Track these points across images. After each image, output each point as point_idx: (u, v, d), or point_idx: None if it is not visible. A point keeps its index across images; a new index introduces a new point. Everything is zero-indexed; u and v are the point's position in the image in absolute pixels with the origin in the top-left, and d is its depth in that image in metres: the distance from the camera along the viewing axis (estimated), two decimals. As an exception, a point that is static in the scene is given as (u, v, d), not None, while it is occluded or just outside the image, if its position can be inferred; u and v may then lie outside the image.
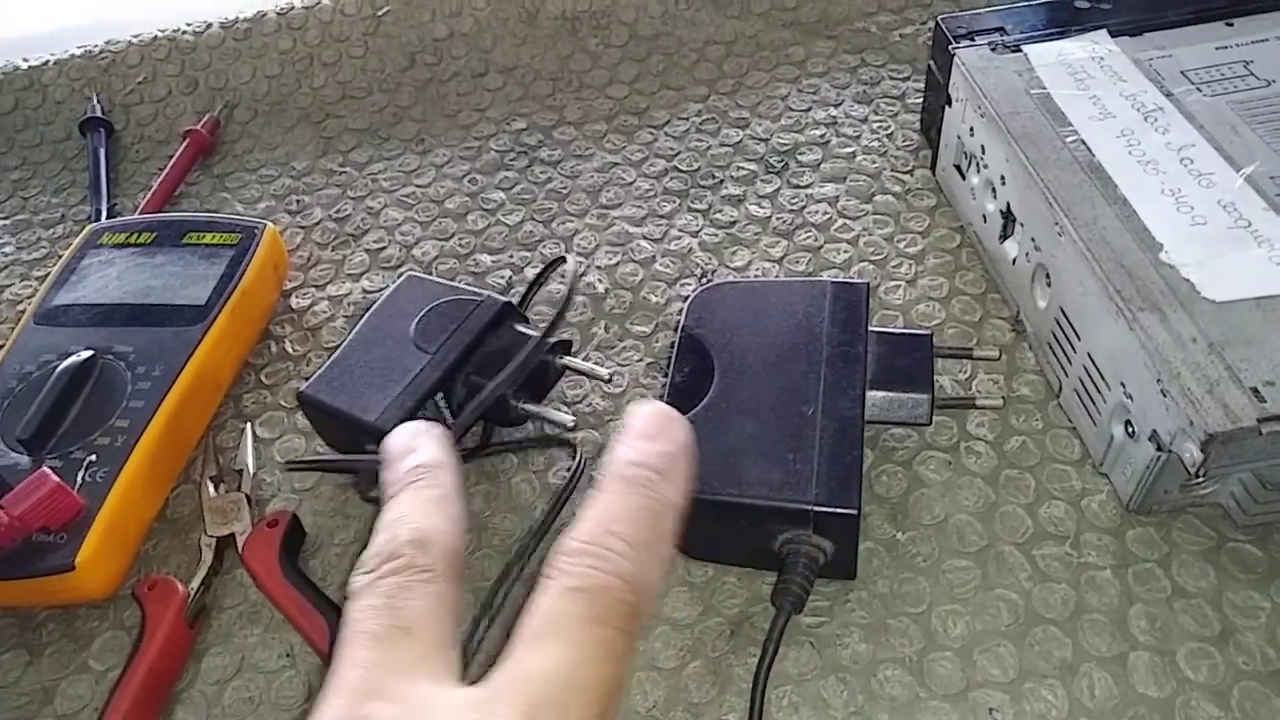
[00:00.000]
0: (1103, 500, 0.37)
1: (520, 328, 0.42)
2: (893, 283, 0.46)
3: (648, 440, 0.26)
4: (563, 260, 0.47)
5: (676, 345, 0.39)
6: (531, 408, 0.40)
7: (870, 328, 0.40)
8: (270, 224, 0.48)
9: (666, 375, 0.39)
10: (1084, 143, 0.41)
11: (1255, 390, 0.31)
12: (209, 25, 0.64)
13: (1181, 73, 0.44)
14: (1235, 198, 0.38)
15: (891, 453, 0.39)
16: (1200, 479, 0.35)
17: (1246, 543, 0.35)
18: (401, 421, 0.38)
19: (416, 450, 0.28)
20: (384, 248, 0.52)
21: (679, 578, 0.37)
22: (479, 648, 0.31)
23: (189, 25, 0.64)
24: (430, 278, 0.44)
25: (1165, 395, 0.32)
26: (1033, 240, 0.41)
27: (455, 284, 0.44)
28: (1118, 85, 0.44)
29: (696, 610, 0.36)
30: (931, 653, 0.33)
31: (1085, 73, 0.45)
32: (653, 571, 0.24)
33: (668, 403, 0.37)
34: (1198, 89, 0.43)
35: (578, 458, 0.38)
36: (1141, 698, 0.32)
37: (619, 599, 0.22)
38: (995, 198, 0.44)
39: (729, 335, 0.39)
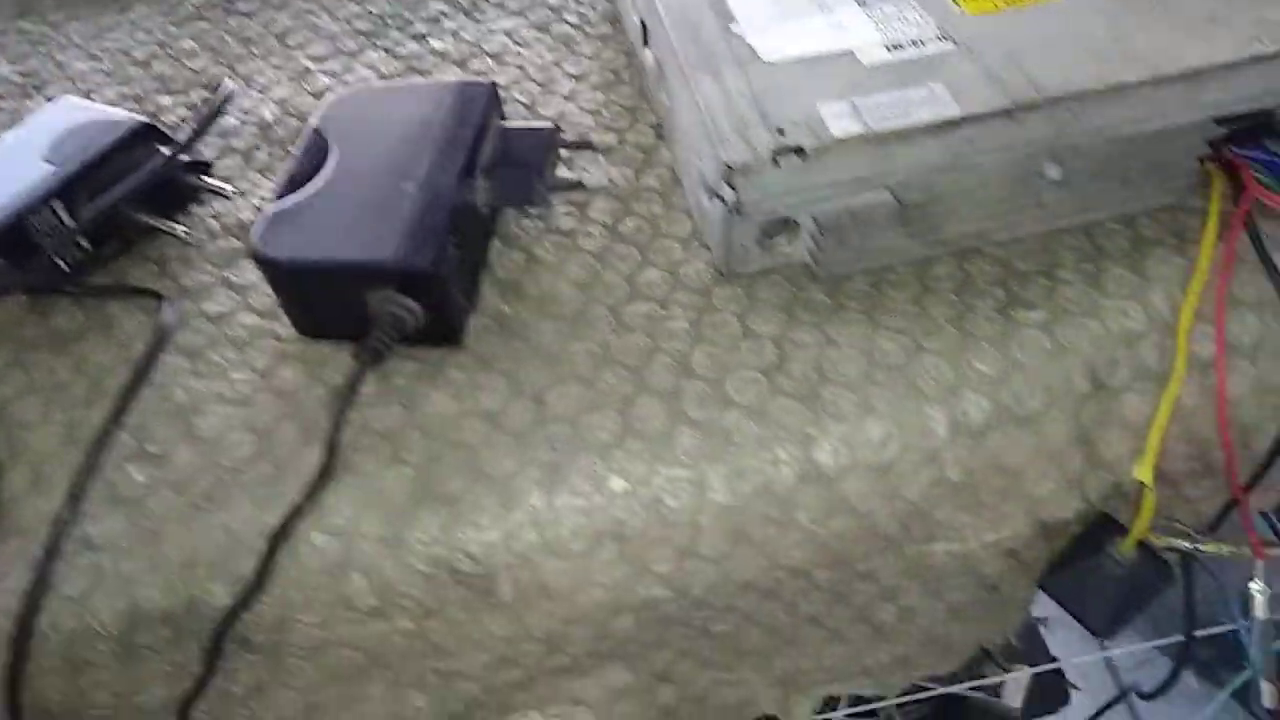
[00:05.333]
0: (700, 268, 0.39)
1: (162, 147, 0.43)
2: (550, 97, 0.48)
3: None
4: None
5: (301, 140, 0.40)
6: (150, 220, 0.40)
7: (499, 124, 0.41)
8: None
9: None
10: (694, -61, 0.43)
11: (780, 129, 0.34)
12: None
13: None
14: (817, -23, 0.40)
15: (515, 239, 0.41)
16: (772, 238, 0.37)
17: (820, 293, 0.38)
18: (7, 227, 0.39)
19: None
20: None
21: (284, 351, 0.38)
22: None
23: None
24: (83, 101, 0.44)
25: (710, 145, 0.35)
26: (655, 40, 0.43)
27: (106, 108, 0.44)
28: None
29: (303, 381, 0.37)
30: (512, 401, 0.36)
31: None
32: None
33: (280, 191, 0.38)
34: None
35: (161, 318, 0.38)
36: (691, 420, 0.34)
37: None
38: (635, 7, 0.46)
39: (353, 130, 0.40)
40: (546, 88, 0.48)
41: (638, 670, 0.39)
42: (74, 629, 0.32)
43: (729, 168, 0.33)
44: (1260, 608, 0.40)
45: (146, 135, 0.42)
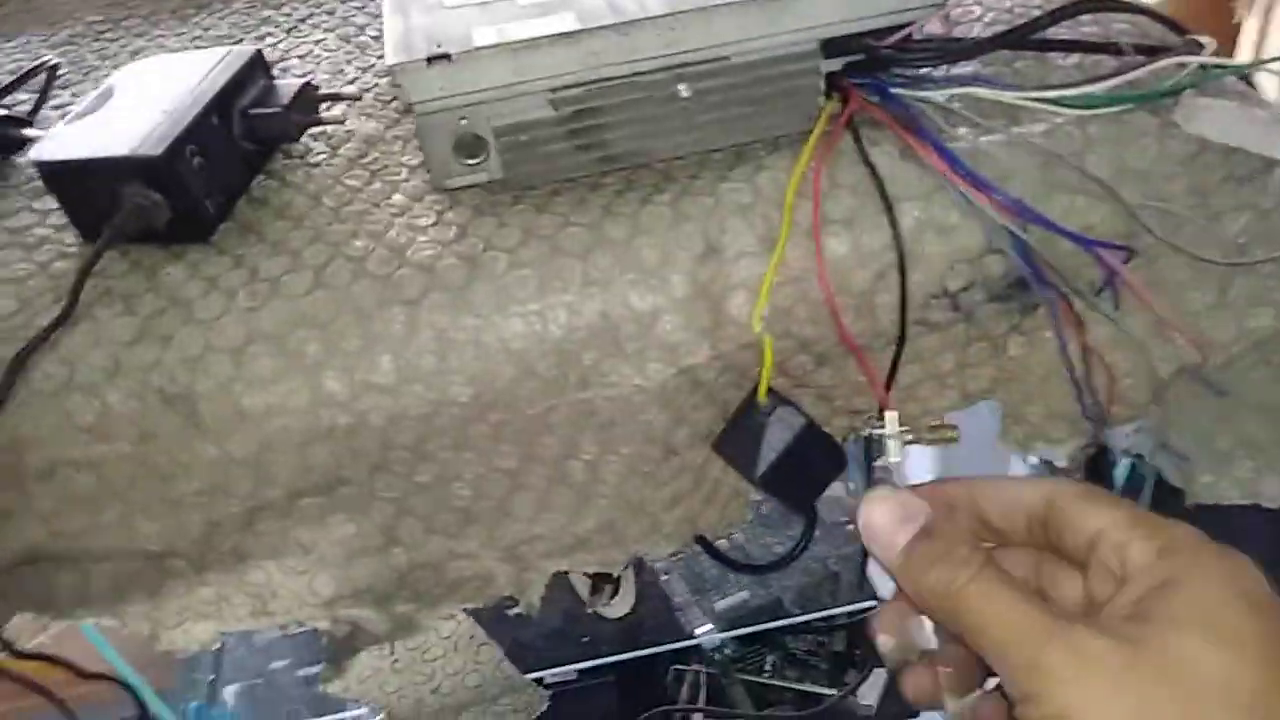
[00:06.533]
0: (418, 184, 0.47)
1: None
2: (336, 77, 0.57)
3: None
4: None
5: (96, 91, 0.49)
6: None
7: (265, 81, 0.50)
8: None
9: None
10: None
11: (437, 44, 0.42)
12: None
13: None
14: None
15: (276, 173, 0.49)
16: (469, 157, 0.45)
17: (507, 196, 0.46)
18: None
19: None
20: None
21: (64, 252, 0.46)
22: None
23: None
24: None
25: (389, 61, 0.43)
26: None
27: None
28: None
29: (72, 266, 0.44)
30: (230, 271, 0.43)
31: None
32: None
33: (66, 123, 0.47)
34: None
35: None
36: (370, 274, 0.42)
37: None
38: None
39: (135, 82, 0.49)
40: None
41: (360, 523, 0.45)
42: None
43: (391, 69, 0.41)
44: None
45: None
